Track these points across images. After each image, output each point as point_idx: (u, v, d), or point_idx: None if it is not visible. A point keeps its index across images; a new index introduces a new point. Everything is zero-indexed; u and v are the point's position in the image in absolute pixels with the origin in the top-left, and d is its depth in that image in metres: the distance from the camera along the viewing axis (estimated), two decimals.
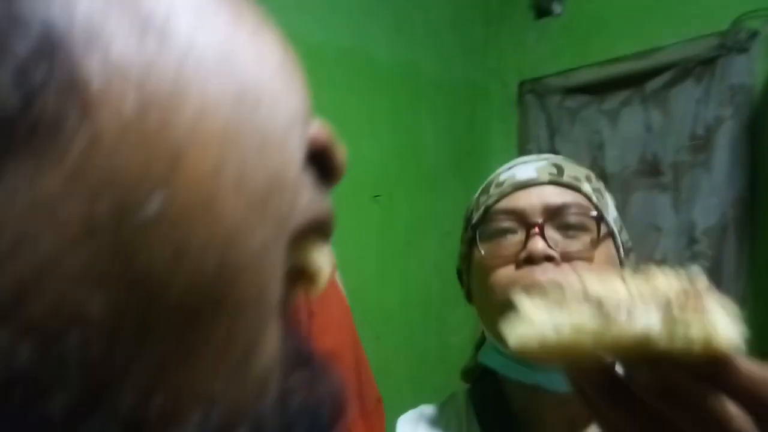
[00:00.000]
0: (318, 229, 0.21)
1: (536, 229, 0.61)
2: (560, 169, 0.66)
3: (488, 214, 0.65)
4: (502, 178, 0.68)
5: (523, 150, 2.11)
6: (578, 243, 0.61)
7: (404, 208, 1.88)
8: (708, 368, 0.30)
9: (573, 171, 0.67)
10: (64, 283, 0.14)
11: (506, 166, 0.71)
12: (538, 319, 0.30)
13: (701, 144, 1.73)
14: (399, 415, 1.90)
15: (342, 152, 0.23)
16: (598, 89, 1.95)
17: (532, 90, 2.09)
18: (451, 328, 2.02)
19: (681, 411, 0.31)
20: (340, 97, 1.72)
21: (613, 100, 1.91)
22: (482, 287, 0.63)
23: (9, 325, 0.13)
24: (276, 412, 0.18)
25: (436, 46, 2.04)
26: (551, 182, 0.65)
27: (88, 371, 0.14)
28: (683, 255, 1.74)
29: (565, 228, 0.62)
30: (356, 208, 1.74)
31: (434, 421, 0.70)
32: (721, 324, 0.29)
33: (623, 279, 0.31)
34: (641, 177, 1.85)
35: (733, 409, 0.30)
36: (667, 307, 0.29)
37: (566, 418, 0.63)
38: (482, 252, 0.64)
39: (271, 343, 0.18)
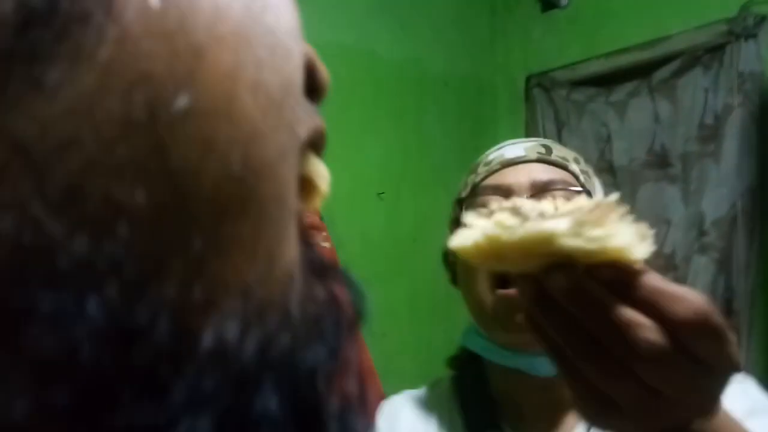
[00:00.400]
0: (314, 143, 0.22)
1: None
2: (548, 149, 0.67)
3: (476, 190, 0.66)
4: (490, 157, 0.68)
5: None
6: None
7: (410, 206, 1.88)
8: (614, 274, 0.33)
9: (561, 152, 0.67)
10: (109, 179, 0.15)
11: (495, 147, 0.71)
12: (475, 227, 0.34)
13: (710, 133, 1.69)
14: None
15: (325, 72, 0.24)
16: (606, 81, 1.92)
17: (539, 84, 2.07)
18: (459, 325, 2.01)
19: (588, 312, 0.33)
20: (344, 95, 1.72)
21: (620, 92, 1.89)
22: (466, 265, 0.63)
23: (64, 220, 0.14)
24: (301, 308, 0.20)
25: (440, 42, 2.04)
26: (539, 160, 0.65)
27: (137, 261, 0.15)
28: (692, 247, 1.71)
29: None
30: (362, 205, 1.75)
31: (418, 406, 0.70)
32: (623, 231, 0.32)
33: (554, 204, 0.36)
34: (649, 169, 1.82)
35: (634, 315, 0.32)
36: (578, 215, 0.32)
37: (547, 402, 0.63)
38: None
39: (291, 245, 0.20)
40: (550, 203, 0.36)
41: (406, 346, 1.81)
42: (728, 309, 1.60)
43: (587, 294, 0.33)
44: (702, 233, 1.69)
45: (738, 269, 1.60)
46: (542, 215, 0.33)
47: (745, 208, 1.61)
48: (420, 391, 0.73)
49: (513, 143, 0.69)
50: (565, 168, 0.65)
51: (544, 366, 0.61)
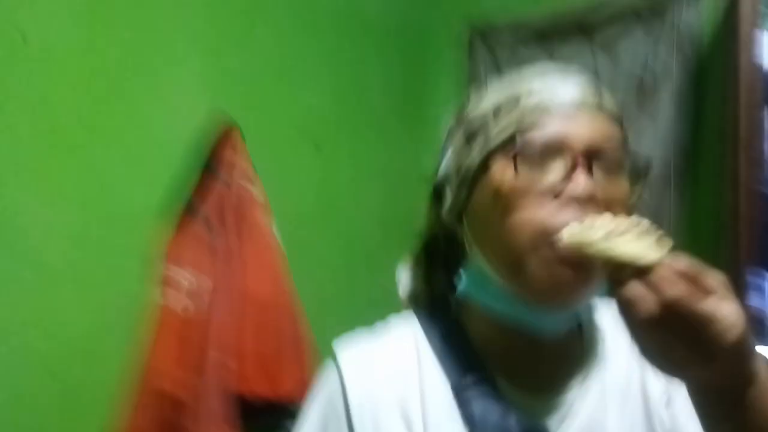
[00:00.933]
0: None
1: (582, 164, 0.55)
2: (599, 91, 0.59)
3: (524, 132, 0.57)
4: (538, 92, 0.58)
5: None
6: (619, 188, 0.57)
7: (347, 155, 1.83)
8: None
9: (608, 95, 0.60)
10: None
11: (532, 72, 0.61)
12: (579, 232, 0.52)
13: (647, 92, 1.71)
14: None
15: None
16: (548, 36, 1.90)
17: (481, 35, 2.04)
18: (395, 279, 1.99)
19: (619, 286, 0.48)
20: (280, 37, 1.64)
21: (562, 48, 1.87)
22: (507, 214, 0.56)
23: None
24: None
25: None
26: (597, 109, 0.58)
27: None
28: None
29: (606, 166, 0.56)
30: (297, 153, 1.69)
31: (385, 358, 0.63)
32: (633, 244, 0.48)
33: (614, 218, 0.52)
34: None
35: (638, 289, 0.46)
36: (608, 230, 0.50)
37: (542, 356, 0.61)
38: (516, 177, 0.56)
39: None
40: (608, 218, 0.52)
41: (341, 299, 1.78)
42: None
43: (620, 275, 0.47)
44: (635, 188, 1.72)
45: (667, 226, 1.63)
46: (601, 227, 0.50)
47: (678, 166, 1.64)
48: (377, 340, 0.66)
49: (557, 74, 0.60)
50: (620, 122, 0.59)
51: (550, 323, 0.59)
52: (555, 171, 0.56)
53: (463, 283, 0.64)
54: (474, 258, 0.62)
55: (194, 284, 1.36)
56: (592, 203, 0.54)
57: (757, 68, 1.18)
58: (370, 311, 1.99)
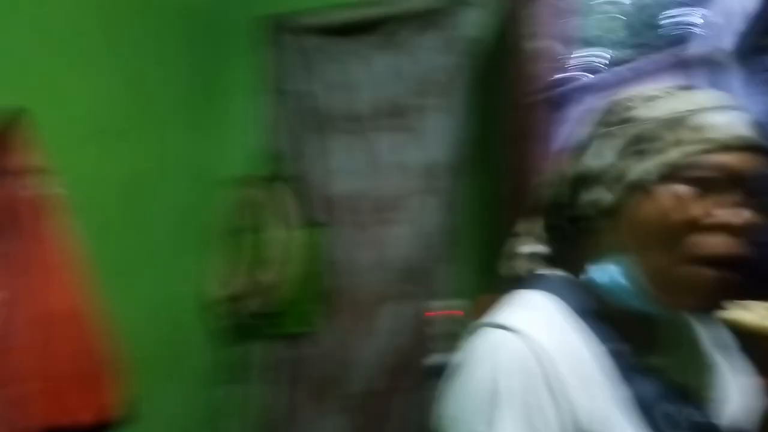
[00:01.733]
0: None
1: (746, 199, 0.63)
2: (759, 130, 0.66)
3: (702, 161, 0.63)
4: (718, 124, 0.64)
5: (275, 88, 2.06)
6: (754, 216, 0.64)
7: (142, 148, 1.71)
8: None
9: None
10: None
11: (705, 99, 0.66)
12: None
13: (438, 89, 1.89)
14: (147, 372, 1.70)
15: None
16: (352, 31, 1.98)
17: (287, 27, 2.04)
18: (178, 277, 1.88)
19: None
20: (58, 13, 1.46)
21: (364, 43, 1.97)
22: (677, 237, 0.64)
23: None
24: None
25: None
26: (759, 148, 0.65)
27: None
28: (424, 190, 1.91)
29: (752, 198, 0.64)
30: (92, 145, 1.54)
31: (558, 327, 0.68)
32: None
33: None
34: (388, 118, 1.96)
35: None
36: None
37: (655, 324, 0.72)
38: (692, 203, 0.63)
39: None
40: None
41: (146, 294, 1.68)
42: (453, 243, 1.85)
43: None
44: (432, 178, 1.90)
45: (455, 210, 1.83)
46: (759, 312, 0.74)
47: (464, 156, 1.85)
48: (533, 309, 0.70)
49: (728, 105, 0.66)
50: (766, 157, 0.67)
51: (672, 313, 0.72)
52: (721, 201, 0.63)
53: (601, 275, 0.69)
54: (618, 257, 0.68)
55: None
56: (741, 233, 0.63)
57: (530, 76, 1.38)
58: (177, 307, 1.90)
